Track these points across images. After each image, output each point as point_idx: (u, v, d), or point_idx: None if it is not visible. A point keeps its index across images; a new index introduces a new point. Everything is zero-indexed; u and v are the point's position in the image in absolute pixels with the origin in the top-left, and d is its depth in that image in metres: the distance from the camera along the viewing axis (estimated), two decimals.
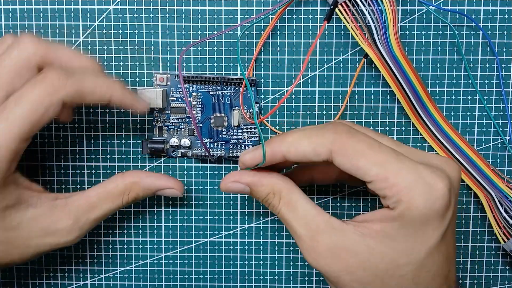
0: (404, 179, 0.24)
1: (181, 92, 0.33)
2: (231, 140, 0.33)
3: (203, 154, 0.33)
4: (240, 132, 0.33)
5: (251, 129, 0.33)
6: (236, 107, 0.32)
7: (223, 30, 0.33)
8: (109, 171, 0.34)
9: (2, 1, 0.33)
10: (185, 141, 0.33)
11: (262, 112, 0.34)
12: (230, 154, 0.33)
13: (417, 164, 0.25)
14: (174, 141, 0.33)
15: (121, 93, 0.28)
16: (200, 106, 0.33)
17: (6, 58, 0.27)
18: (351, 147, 0.25)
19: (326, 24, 0.32)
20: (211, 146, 0.33)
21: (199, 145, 0.33)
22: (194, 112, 0.33)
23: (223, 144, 0.33)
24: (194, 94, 0.33)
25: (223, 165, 0.34)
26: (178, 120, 0.33)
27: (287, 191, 0.27)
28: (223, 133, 0.33)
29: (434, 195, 0.24)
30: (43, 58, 0.28)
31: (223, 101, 0.33)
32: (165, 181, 0.31)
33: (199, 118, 0.33)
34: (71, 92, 0.26)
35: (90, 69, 0.29)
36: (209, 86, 0.33)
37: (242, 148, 0.33)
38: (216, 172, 0.34)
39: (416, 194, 0.24)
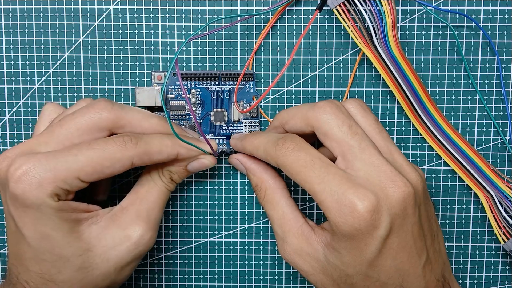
0: (327, 199, 0.26)
1: (179, 90, 0.33)
2: (232, 135, 0.33)
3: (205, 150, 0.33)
4: (240, 126, 0.33)
5: (251, 123, 0.33)
6: (236, 103, 0.33)
7: (222, 26, 0.33)
8: None
9: (2, 1, 0.33)
10: None
11: (261, 105, 0.34)
12: (232, 149, 0.33)
13: (343, 185, 0.26)
14: None
15: (187, 149, 0.30)
16: (199, 102, 0.33)
17: (79, 115, 0.29)
18: (288, 165, 0.27)
19: (318, 14, 0.32)
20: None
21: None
22: (193, 108, 0.33)
23: (225, 139, 0.33)
24: (193, 90, 0.33)
25: (223, 164, 0.34)
26: (178, 118, 0.33)
27: (271, 191, 0.30)
28: (224, 128, 0.33)
29: (353, 216, 0.25)
30: (115, 122, 0.29)
31: (222, 96, 0.33)
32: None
33: (199, 115, 0.33)
34: (140, 152, 0.28)
35: (157, 131, 0.30)
36: (208, 82, 0.33)
37: None
38: (216, 172, 0.34)
39: (336, 214, 0.25)
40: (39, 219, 0.27)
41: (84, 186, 0.28)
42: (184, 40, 0.33)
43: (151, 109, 0.33)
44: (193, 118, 0.32)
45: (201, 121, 0.33)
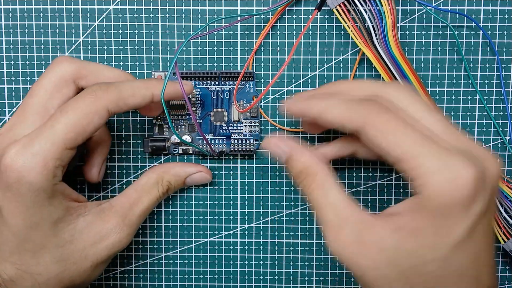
0: (427, 162, 0.23)
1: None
2: (232, 135, 0.33)
3: (204, 150, 0.33)
4: (240, 127, 0.33)
5: (251, 123, 0.33)
6: (235, 102, 0.32)
7: (222, 26, 0.33)
8: (109, 171, 0.34)
9: (2, 1, 0.33)
10: (186, 138, 0.33)
11: (261, 105, 0.34)
12: (232, 149, 0.33)
13: (445, 149, 0.23)
14: (174, 138, 0.33)
15: (160, 87, 0.29)
16: (199, 102, 0.33)
17: (42, 78, 0.29)
18: (385, 123, 0.24)
19: (318, 14, 0.32)
20: (212, 141, 0.33)
21: (200, 141, 0.33)
22: (193, 108, 0.33)
23: (224, 139, 0.33)
24: (194, 90, 0.33)
25: (223, 164, 0.34)
26: (178, 117, 0.33)
27: (322, 175, 0.27)
28: (224, 128, 0.33)
29: (457, 183, 0.23)
30: (77, 71, 0.29)
31: (222, 96, 0.33)
32: (193, 166, 0.33)
33: (199, 115, 0.33)
34: (113, 98, 0.28)
35: (124, 78, 0.30)
36: (208, 82, 0.33)
37: (244, 142, 0.33)
38: (216, 172, 0.34)
39: (438, 178, 0.23)
40: (30, 208, 0.26)
41: (73, 153, 0.27)
42: (184, 40, 0.33)
43: None
44: (192, 118, 0.32)
45: (201, 121, 0.33)
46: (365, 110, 0.25)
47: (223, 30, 0.33)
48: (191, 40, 0.33)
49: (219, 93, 0.33)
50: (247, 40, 0.33)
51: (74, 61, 0.29)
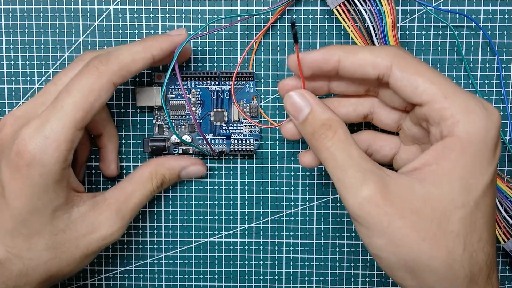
0: (463, 100, 0.23)
1: (179, 90, 0.33)
2: (232, 135, 0.33)
3: (204, 150, 0.33)
4: (240, 127, 0.33)
5: (251, 123, 0.33)
6: (236, 102, 0.32)
7: (222, 26, 0.33)
8: None
9: (2, 1, 0.33)
10: (186, 138, 0.33)
11: (261, 105, 0.34)
12: (232, 149, 0.33)
13: (466, 93, 0.24)
14: (174, 138, 0.33)
15: (158, 45, 0.28)
16: (199, 102, 0.33)
17: (70, 69, 0.29)
18: (411, 65, 0.24)
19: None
20: (212, 141, 0.33)
21: (200, 141, 0.33)
22: (193, 108, 0.33)
23: (224, 139, 0.33)
24: (193, 90, 0.33)
25: (223, 164, 0.34)
26: (178, 118, 0.33)
27: (345, 130, 0.26)
28: (224, 128, 0.33)
29: (491, 121, 0.23)
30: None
31: (222, 96, 0.33)
32: (187, 159, 0.33)
33: (199, 115, 0.33)
34: (115, 70, 0.27)
35: (120, 45, 0.29)
36: (208, 81, 0.33)
37: (244, 142, 0.33)
38: (216, 172, 0.34)
39: (475, 115, 0.23)
40: (35, 193, 0.26)
41: (82, 134, 0.27)
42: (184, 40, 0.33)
43: (151, 108, 0.33)
44: (192, 118, 0.32)
45: (201, 121, 0.33)
46: (391, 52, 0.25)
47: (223, 30, 0.33)
48: (191, 40, 0.33)
49: (219, 93, 0.33)
50: (247, 40, 0.33)
51: (111, 59, 0.28)
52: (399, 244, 0.24)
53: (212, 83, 0.33)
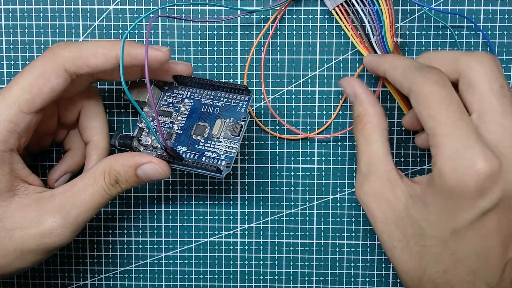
0: (449, 145, 0.24)
1: (174, 98, 0.31)
2: (206, 152, 0.30)
3: (158, 139, 0.28)
4: (218, 146, 0.30)
5: (230, 143, 0.30)
6: (221, 118, 0.30)
7: (223, 18, 0.33)
8: None
9: (2, 1, 0.33)
10: (147, 140, 0.31)
11: (261, 105, 0.34)
12: (197, 162, 0.30)
13: (473, 135, 0.24)
14: (146, 140, 0.31)
15: (129, 48, 0.27)
16: (187, 112, 0.31)
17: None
18: (416, 97, 0.25)
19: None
20: (186, 155, 0.30)
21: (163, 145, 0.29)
22: (179, 118, 0.31)
23: (196, 155, 0.30)
24: (186, 100, 0.31)
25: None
26: (162, 124, 0.31)
27: (371, 126, 0.28)
28: (200, 143, 0.30)
29: (468, 173, 0.23)
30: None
31: (211, 111, 0.31)
32: (144, 156, 0.29)
33: (182, 125, 0.31)
34: (71, 56, 0.27)
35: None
36: (203, 91, 0.31)
37: (214, 162, 0.29)
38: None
39: (449, 164, 0.23)
40: None
41: (30, 119, 0.27)
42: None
43: (140, 103, 0.31)
44: (156, 119, 0.30)
45: (181, 132, 0.31)
46: (413, 78, 0.26)
47: (223, 30, 0.33)
48: (191, 41, 0.33)
49: (209, 108, 0.31)
50: (247, 40, 0.33)
51: (71, 47, 0.27)
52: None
53: (207, 96, 0.31)
